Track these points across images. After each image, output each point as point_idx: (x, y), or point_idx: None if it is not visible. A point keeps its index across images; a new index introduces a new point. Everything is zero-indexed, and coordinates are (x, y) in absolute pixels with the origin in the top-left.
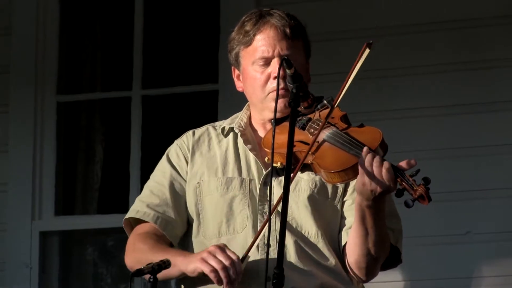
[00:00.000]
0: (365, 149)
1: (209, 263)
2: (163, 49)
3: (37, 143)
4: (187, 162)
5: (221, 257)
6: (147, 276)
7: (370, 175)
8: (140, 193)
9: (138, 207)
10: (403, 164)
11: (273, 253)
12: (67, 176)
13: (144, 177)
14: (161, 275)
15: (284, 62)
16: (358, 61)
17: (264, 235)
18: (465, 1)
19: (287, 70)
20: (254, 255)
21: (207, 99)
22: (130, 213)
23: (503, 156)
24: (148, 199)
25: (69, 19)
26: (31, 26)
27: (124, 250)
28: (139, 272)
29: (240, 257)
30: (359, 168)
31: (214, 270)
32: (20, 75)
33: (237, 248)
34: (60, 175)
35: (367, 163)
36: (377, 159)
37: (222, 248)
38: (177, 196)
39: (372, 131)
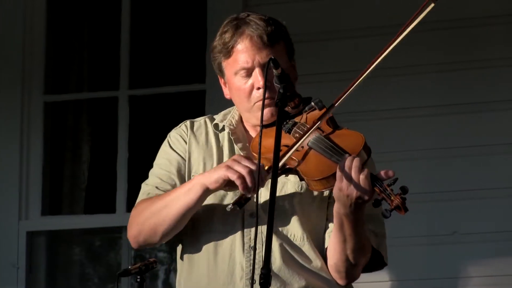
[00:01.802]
0: (346, 155)
1: (235, 169)
2: (150, 49)
3: (24, 143)
4: (186, 151)
5: (246, 163)
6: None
7: (348, 180)
8: (127, 193)
9: (149, 190)
10: (382, 173)
11: (258, 256)
12: (54, 176)
13: (131, 177)
14: (176, 210)
15: (271, 62)
16: (416, 16)
17: (250, 238)
18: (456, 0)
19: (274, 70)
20: (240, 258)
21: (194, 99)
22: (142, 196)
23: (490, 157)
24: (160, 185)
25: (56, 19)
26: (18, 26)
27: (111, 250)
28: (126, 272)
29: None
30: (337, 173)
31: (241, 176)
32: (7, 75)
33: (225, 246)
34: (47, 175)
35: (346, 168)
36: (356, 164)
37: (246, 156)
38: (183, 181)
39: (355, 135)
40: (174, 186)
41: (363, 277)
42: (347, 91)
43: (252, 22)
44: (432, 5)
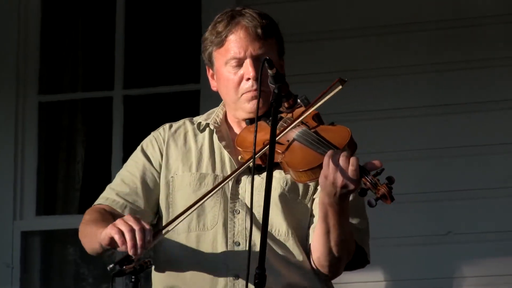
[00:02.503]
0: (330, 151)
1: (118, 227)
2: (144, 49)
3: (18, 143)
4: (161, 155)
5: (131, 222)
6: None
7: (334, 167)
8: None
9: (108, 195)
10: (368, 164)
11: (242, 252)
12: (48, 176)
13: None
14: (90, 244)
15: (266, 62)
16: (324, 94)
17: (233, 234)
18: (449, 1)
19: (269, 71)
20: (223, 254)
21: (189, 99)
22: (99, 200)
23: (485, 157)
24: (119, 188)
25: (51, 18)
26: (12, 26)
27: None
28: (121, 273)
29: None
30: (324, 160)
31: (120, 232)
32: (1, 75)
33: (207, 244)
34: (41, 175)
35: (332, 154)
36: (344, 153)
37: (137, 217)
38: (148, 187)
39: (341, 130)
40: (134, 190)
41: (358, 276)
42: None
43: (247, 14)
44: (340, 87)
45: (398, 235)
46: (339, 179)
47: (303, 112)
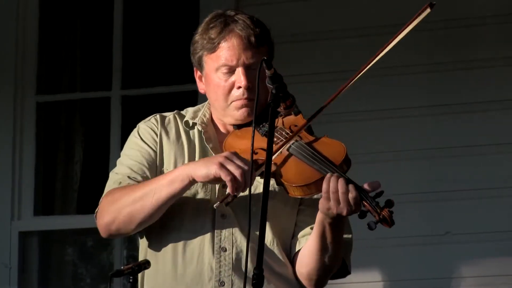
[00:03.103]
0: (328, 175)
1: (228, 168)
2: (142, 49)
3: (16, 143)
4: (156, 145)
5: (239, 162)
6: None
7: (336, 201)
8: None
9: (120, 179)
10: (367, 186)
11: (228, 258)
12: (46, 176)
13: None
14: (155, 201)
15: (264, 63)
16: (414, 19)
17: (220, 239)
18: (447, 1)
19: (266, 71)
20: (209, 259)
21: (187, 99)
22: (114, 184)
23: (483, 157)
24: (131, 175)
25: (49, 19)
26: (10, 26)
27: (104, 250)
28: (119, 273)
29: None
30: (323, 194)
31: (233, 178)
32: None
33: (194, 246)
34: (39, 175)
35: (332, 190)
36: (342, 184)
37: (237, 154)
38: (153, 174)
39: (336, 145)
40: (145, 178)
41: (356, 277)
42: (339, 92)
43: (241, 21)
44: (429, 10)
45: (396, 236)
46: (343, 210)
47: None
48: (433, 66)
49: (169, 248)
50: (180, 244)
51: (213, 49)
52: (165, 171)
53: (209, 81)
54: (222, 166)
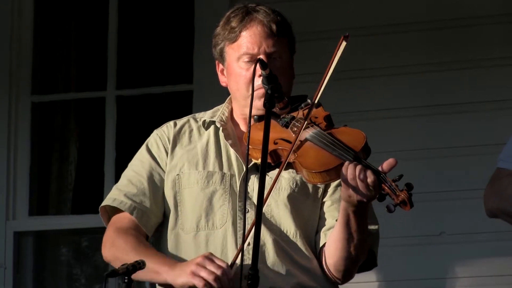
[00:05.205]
0: (346, 163)
1: (201, 275)
2: (137, 49)
3: (11, 143)
4: (167, 153)
5: (211, 267)
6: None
7: (355, 188)
8: None
9: (116, 195)
10: (384, 166)
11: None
12: (41, 176)
13: (119, 178)
14: (143, 276)
15: (259, 63)
16: (335, 55)
17: (242, 233)
18: (445, 1)
19: (262, 71)
20: (232, 253)
21: (182, 99)
22: (107, 201)
23: (476, 157)
24: (126, 188)
25: (44, 19)
26: (5, 26)
27: (98, 250)
28: (114, 273)
29: (229, 263)
30: (343, 181)
31: (207, 284)
32: None
33: (216, 243)
34: (34, 175)
35: (350, 176)
36: (360, 171)
37: (210, 258)
38: (155, 187)
39: (356, 133)
40: (142, 190)
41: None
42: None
43: (262, 11)
44: (345, 43)
45: (391, 236)
46: (364, 196)
47: (313, 102)
48: (431, 66)
49: (189, 246)
50: (202, 242)
51: (234, 38)
52: (180, 175)
53: (231, 72)
54: (194, 274)
